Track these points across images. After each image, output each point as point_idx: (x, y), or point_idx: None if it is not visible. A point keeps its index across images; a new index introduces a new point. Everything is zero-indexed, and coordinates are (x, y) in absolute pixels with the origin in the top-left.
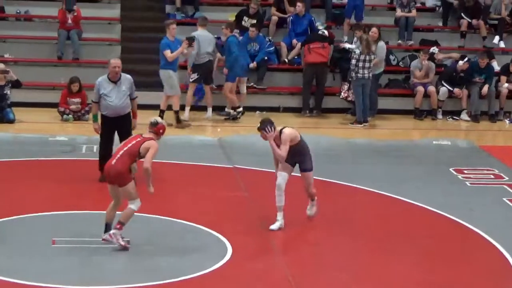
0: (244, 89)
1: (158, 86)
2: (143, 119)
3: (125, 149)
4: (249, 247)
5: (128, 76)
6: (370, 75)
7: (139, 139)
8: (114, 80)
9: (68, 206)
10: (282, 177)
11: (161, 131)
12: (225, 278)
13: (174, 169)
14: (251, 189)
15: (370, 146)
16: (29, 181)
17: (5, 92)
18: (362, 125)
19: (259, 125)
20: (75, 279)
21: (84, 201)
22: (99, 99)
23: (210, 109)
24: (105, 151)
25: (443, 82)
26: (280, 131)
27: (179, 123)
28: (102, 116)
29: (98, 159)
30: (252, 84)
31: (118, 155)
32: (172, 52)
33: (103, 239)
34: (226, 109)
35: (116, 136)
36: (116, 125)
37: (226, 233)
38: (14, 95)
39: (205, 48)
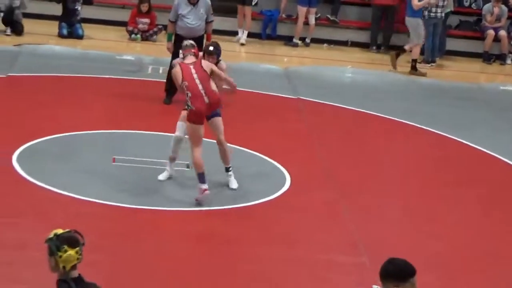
0: (313, 20)
1: (223, 11)
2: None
3: (199, 82)
4: (306, 178)
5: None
6: (443, 15)
7: (193, 66)
8: (193, 2)
9: (130, 126)
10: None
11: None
12: (282, 208)
13: (238, 96)
14: (313, 121)
15: (435, 86)
16: (94, 98)
17: (76, 7)
18: (429, 64)
19: (211, 48)
20: (133, 198)
21: (147, 122)
22: (176, 18)
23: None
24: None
25: None
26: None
27: (415, 70)
28: (177, 35)
29: (165, 80)
30: (326, 16)
31: (202, 91)
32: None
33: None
34: (294, 40)
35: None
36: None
37: (285, 163)
38: (84, 11)
39: None
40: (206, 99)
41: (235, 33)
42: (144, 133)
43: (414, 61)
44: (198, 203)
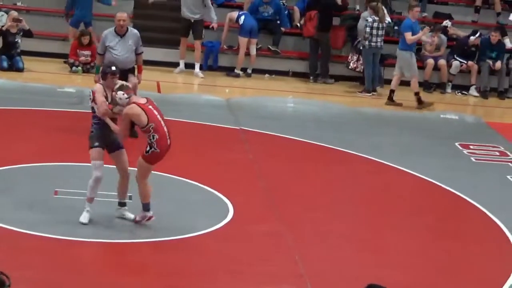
0: (254, 50)
1: (165, 43)
2: (147, 75)
3: (163, 123)
4: (250, 209)
5: (135, 31)
6: (382, 44)
7: (151, 105)
8: (121, 33)
9: (72, 158)
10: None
11: None
12: (225, 239)
13: (180, 127)
14: (256, 151)
15: (378, 115)
16: (35, 130)
17: (16, 40)
18: (370, 94)
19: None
20: (77, 231)
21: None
22: (104, 51)
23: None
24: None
25: (455, 56)
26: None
27: (421, 103)
28: None
29: None
30: (268, 46)
31: (167, 132)
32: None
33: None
34: (236, 70)
35: None
36: (119, 79)
37: (228, 193)
38: (24, 43)
39: None
40: (168, 141)
41: (176, 65)
42: (86, 165)
43: (417, 94)
44: (137, 223)
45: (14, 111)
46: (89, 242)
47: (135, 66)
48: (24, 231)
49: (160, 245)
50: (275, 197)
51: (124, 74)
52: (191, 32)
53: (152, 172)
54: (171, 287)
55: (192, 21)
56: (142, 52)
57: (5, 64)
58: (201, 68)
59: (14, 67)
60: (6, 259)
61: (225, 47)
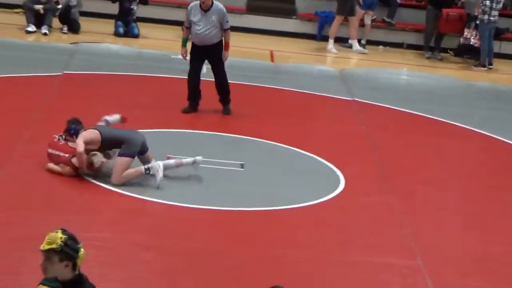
0: (369, 21)
1: (278, 12)
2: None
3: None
4: (361, 181)
5: (220, 6)
6: (497, 19)
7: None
8: (205, 8)
9: (185, 125)
10: None
11: None
12: (336, 210)
13: (292, 97)
14: (368, 123)
15: (492, 90)
16: (148, 96)
17: (131, 7)
18: (486, 68)
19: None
20: (186, 197)
21: (201, 120)
22: (189, 25)
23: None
24: (192, 80)
25: None
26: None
27: None
28: (192, 43)
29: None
30: (382, 18)
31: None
32: None
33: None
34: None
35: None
36: (204, 54)
37: (340, 165)
38: (140, 10)
39: None
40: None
41: (287, 34)
42: (199, 133)
43: None
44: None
45: (129, 77)
46: (199, 209)
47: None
48: (134, 195)
49: (270, 214)
50: (386, 169)
51: (208, 50)
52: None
53: (265, 141)
54: (280, 257)
55: None
56: (228, 29)
57: (121, 30)
58: (314, 37)
59: (129, 34)
60: (116, 220)
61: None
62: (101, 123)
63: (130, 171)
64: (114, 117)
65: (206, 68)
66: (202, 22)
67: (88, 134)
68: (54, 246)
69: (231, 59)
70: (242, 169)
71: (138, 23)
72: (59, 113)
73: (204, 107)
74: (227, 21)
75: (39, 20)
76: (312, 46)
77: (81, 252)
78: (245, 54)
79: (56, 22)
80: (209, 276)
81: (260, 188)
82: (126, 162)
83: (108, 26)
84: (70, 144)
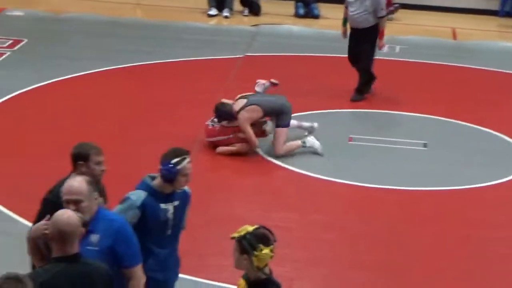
0: None
1: None
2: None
3: None
4: None
5: None
6: None
7: None
8: None
9: (366, 104)
10: None
11: None
12: None
13: (475, 75)
14: None
15: None
16: (328, 77)
17: None
18: None
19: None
20: (369, 178)
21: (381, 100)
22: (347, 5)
23: None
24: (351, 59)
25: None
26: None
27: None
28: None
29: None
30: None
31: None
32: None
33: None
34: None
35: None
36: (357, 36)
37: None
38: None
39: None
40: None
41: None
42: (380, 112)
43: None
44: None
45: (310, 57)
46: (382, 188)
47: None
48: (317, 176)
49: (451, 193)
50: None
51: (359, 33)
52: None
53: (448, 119)
54: (468, 236)
55: None
56: (383, 16)
57: (301, 11)
58: (496, 13)
59: (310, 14)
60: (300, 202)
61: None
62: (258, 89)
63: (292, 143)
64: (266, 85)
65: (388, 47)
66: (356, 5)
67: (251, 114)
68: (235, 235)
69: (412, 38)
70: (425, 148)
71: (318, 4)
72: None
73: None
74: (382, 9)
75: (220, 3)
76: (495, 23)
77: (261, 252)
78: (427, 32)
79: (237, 5)
80: (393, 256)
81: (444, 167)
82: (285, 133)
83: (288, 7)
84: (224, 123)
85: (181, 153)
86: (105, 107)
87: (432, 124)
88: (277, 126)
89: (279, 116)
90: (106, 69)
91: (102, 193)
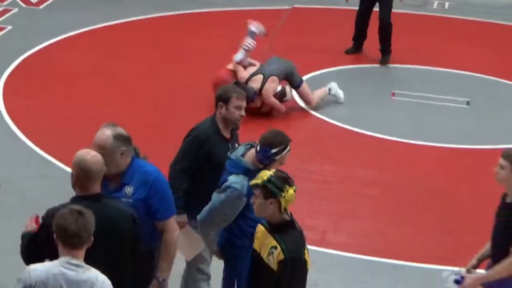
0: None
1: None
2: None
3: None
4: None
5: None
6: None
7: None
8: None
9: (410, 60)
10: None
11: None
12: None
13: None
14: None
15: None
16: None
17: None
18: None
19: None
20: (410, 133)
21: (424, 56)
22: None
23: None
24: (358, 22)
25: None
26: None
27: None
28: None
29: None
30: None
31: None
32: None
33: None
34: None
35: None
36: None
37: None
38: None
39: None
40: None
41: None
42: (425, 69)
43: None
44: None
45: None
46: (424, 145)
47: None
48: (358, 130)
49: (496, 151)
50: None
51: None
52: None
53: (490, 77)
54: None
55: None
56: None
57: None
58: None
59: None
60: (340, 155)
61: None
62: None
63: (319, 91)
64: (260, 30)
65: None
66: None
67: (271, 86)
68: (258, 181)
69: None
70: (467, 106)
71: None
72: (286, 49)
73: None
74: None
75: None
76: None
77: (288, 193)
78: None
79: None
80: (435, 213)
81: (485, 125)
82: (307, 86)
83: None
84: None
85: (282, 141)
86: (146, 52)
87: (476, 82)
88: (297, 87)
89: (291, 77)
90: (155, 16)
91: (236, 141)
